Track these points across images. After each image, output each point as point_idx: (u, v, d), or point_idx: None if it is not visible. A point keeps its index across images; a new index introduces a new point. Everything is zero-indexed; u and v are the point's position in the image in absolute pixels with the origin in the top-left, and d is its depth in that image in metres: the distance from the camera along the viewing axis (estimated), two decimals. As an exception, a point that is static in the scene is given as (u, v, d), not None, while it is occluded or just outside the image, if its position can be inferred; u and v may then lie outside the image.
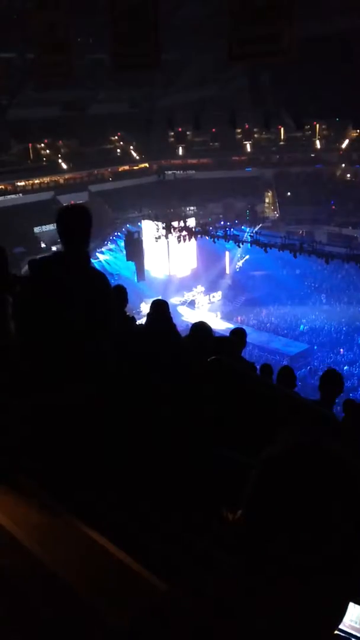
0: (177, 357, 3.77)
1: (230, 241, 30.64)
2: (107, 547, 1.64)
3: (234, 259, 38.04)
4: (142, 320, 5.67)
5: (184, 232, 31.71)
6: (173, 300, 34.17)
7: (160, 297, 5.73)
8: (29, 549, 1.66)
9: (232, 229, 31.48)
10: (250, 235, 30.28)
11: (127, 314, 6.03)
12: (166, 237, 32.77)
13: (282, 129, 38.23)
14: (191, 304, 35.71)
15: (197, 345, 4.02)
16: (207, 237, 31.49)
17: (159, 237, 32.94)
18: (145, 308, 26.64)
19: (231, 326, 27.89)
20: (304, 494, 0.85)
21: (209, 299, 36.80)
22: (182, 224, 32.50)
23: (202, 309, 35.39)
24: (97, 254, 33.63)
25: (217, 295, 37.36)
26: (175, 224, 32.42)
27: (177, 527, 1.93)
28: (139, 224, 35.59)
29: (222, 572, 0.92)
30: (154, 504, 2.01)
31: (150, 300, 5.18)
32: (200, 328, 4.35)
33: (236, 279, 38.05)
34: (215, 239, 30.74)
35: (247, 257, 36.87)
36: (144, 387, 2.97)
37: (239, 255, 37.17)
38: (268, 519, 0.86)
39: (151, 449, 2.43)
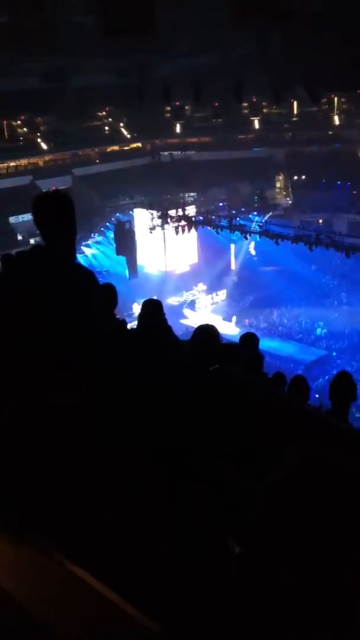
0: (175, 367, 3.81)
1: (236, 232, 30.83)
2: (93, 585, 1.65)
3: (240, 253, 38.70)
4: (134, 324, 5.76)
5: (183, 222, 32.11)
6: (170, 301, 34.79)
7: (154, 297, 5.89)
8: (3, 587, 1.66)
9: (238, 218, 31.67)
10: (259, 225, 30.58)
11: (117, 317, 6.08)
12: (162, 227, 33.26)
13: (295, 103, 38.63)
14: (191, 304, 36.41)
15: (200, 353, 4.01)
16: (209, 228, 32.07)
17: (154, 228, 33.40)
18: (138, 309, 29.09)
19: (237, 330, 29.12)
20: (311, 521, 0.87)
21: (212, 299, 37.51)
22: (180, 212, 32.91)
23: (204, 311, 36.12)
24: (82, 247, 33.96)
25: (221, 295, 38.03)
26: (172, 212, 32.83)
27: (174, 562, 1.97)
28: (130, 212, 36.11)
29: (220, 614, 0.95)
30: (147, 533, 2.06)
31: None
32: (205, 331, 4.38)
33: (243, 276, 38.56)
34: (219, 230, 31.27)
35: (251, 248, 37.59)
36: (135, 402, 2.98)
37: (246, 249, 37.82)
38: (274, 549, 0.88)
39: (144, 471, 2.45)
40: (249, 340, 6.27)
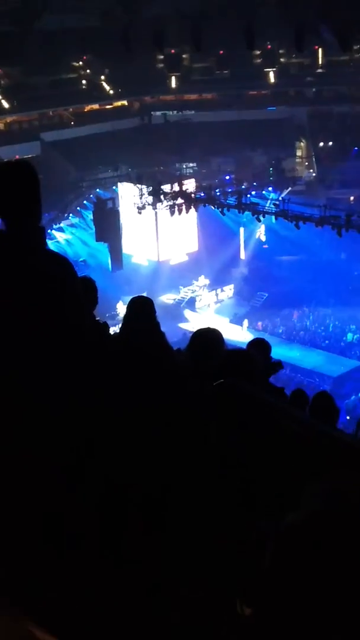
0: (168, 383, 3.82)
1: (247, 212, 31.18)
2: None
3: (251, 239, 38.78)
4: (118, 328, 5.81)
5: (180, 200, 32.25)
6: (164, 299, 35.50)
7: (143, 294, 5.88)
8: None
9: (249, 195, 31.88)
10: (274, 204, 30.59)
11: (97, 319, 6.10)
12: (153, 207, 33.49)
13: (320, 50, 38.62)
14: (190, 303, 36.76)
15: (200, 364, 4.07)
16: (212, 207, 32.10)
17: (143, 207, 33.64)
18: (123, 310, 29.50)
19: (249, 336, 27.44)
20: (332, 575, 0.91)
21: (216, 297, 37.85)
22: (176, 188, 32.98)
23: (206, 311, 36.43)
24: (52, 231, 34.34)
25: (228, 291, 38.50)
26: (166, 188, 32.97)
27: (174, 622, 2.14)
28: (114, 188, 36.35)
29: None
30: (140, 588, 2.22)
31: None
32: (206, 337, 4.44)
33: (255, 268, 38.69)
34: (225, 210, 31.33)
35: (260, 233, 37.43)
36: (121, 429, 3.04)
37: (258, 234, 37.93)
38: (286, 609, 0.90)
39: (135, 513, 2.58)
40: (257, 348, 6.21)
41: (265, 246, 38.71)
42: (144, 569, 2.36)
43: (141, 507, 2.71)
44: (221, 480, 2.92)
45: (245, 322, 35.02)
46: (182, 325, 32.11)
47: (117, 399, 3.66)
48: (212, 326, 4.83)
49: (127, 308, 5.06)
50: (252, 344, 6.37)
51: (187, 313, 35.91)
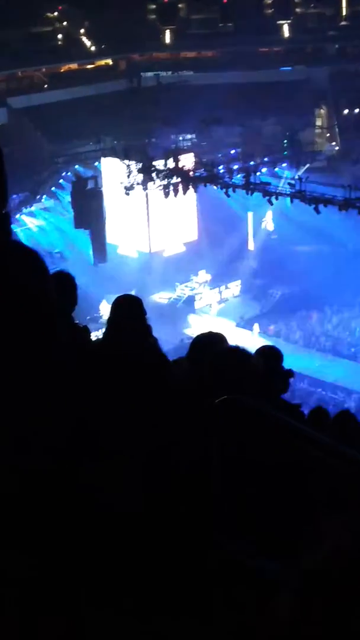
0: (162, 397, 3.87)
1: (256, 194, 31.18)
2: None
3: (261, 225, 38.64)
4: (101, 333, 5.92)
5: (175, 179, 32.36)
6: (156, 298, 35.67)
7: (131, 293, 6.21)
8: None
9: (258, 173, 31.87)
10: (289, 184, 30.73)
11: (77, 322, 6.18)
12: (144, 187, 33.70)
13: (344, -1, 37.50)
14: (188, 303, 36.80)
15: (200, 376, 4.05)
16: (215, 188, 32.30)
17: (132, 188, 33.74)
18: (107, 311, 29.66)
19: (261, 342, 28.14)
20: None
21: (220, 295, 37.73)
22: (171, 164, 33.00)
23: (208, 313, 36.58)
24: (22, 216, 34.49)
25: (234, 289, 38.42)
26: (159, 164, 33.00)
27: None
28: (96, 164, 36.46)
29: None
30: None
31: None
32: (206, 343, 4.47)
33: (266, 260, 38.36)
34: (231, 191, 31.42)
35: (268, 220, 37.57)
36: (105, 457, 3.11)
37: (265, 222, 37.87)
38: None
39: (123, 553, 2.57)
40: (265, 357, 6.05)
41: (274, 236, 38.83)
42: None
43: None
44: (219, 516, 2.95)
45: (256, 327, 35.06)
46: (182, 329, 32.32)
47: (99, 420, 3.68)
48: (213, 331, 4.84)
49: (112, 309, 5.07)
50: (258, 352, 6.20)
51: (186, 315, 36.11)
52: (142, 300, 5.15)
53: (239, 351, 3.99)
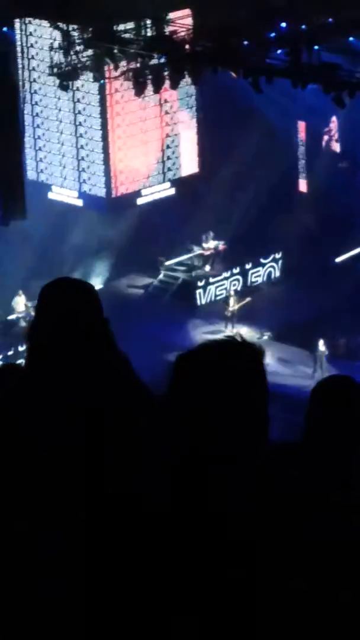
0: (137, 449, 3.47)
1: (312, 86, 27.01)
2: None
3: (321, 146, 34.08)
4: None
5: (159, 59, 27.95)
6: (122, 284, 32.27)
7: (72, 276, 5.53)
8: None
9: (317, 50, 27.11)
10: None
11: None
12: (97, 75, 29.53)
13: None
14: (183, 294, 32.12)
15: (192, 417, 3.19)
16: (233, 75, 28.04)
17: (72, 76, 29.20)
18: (25, 310, 28.74)
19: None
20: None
21: (243, 281, 32.60)
22: (151, 30, 29.29)
23: (221, 311, 31.85)
24: None
25: (270, 269, 33.23)
26: (126, 28, 28.78)
27: None
28: (4, 28, 30.31)
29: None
30: None
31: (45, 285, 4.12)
32: (199, 363, 3.32)
33: (329, 212, 32.82)
34: (263, 81, 26.65)
35: (331, 136, 34.78)
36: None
37: (325, 139, 34.07)
38: None
39: None
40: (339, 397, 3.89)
41: (344, 164, 33.11)
42: None
43: None
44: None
45: (321, 345, 28.38)
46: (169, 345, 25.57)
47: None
48: (223, 337, 3.24)
49: (42, 297, 3.96)
50: (326, 387, 3.95)
51: (178, 318, 30.22)
52: (93, 287, 4.04)
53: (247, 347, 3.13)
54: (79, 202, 31.45)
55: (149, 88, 27.70)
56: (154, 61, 27.40)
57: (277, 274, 32.82)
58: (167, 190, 32.23)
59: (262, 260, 32.59)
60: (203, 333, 29.57)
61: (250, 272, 32.34)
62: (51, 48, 29.23)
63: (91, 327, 3.84)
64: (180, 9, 29.25)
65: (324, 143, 33.55)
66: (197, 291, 31.51)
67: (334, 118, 32.04)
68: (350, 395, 3.54)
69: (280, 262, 32.78)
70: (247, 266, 32.23)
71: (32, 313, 30.77)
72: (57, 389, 3.85)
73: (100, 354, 3.92)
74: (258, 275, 32.52)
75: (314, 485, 3.32)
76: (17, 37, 30.35)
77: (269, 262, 32.76)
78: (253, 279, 32.35)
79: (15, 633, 3.31)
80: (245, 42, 26.83)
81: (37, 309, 3.96)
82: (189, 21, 28.76)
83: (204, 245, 32.41)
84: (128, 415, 3.89)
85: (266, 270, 32.82)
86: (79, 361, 3.88)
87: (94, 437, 3.78)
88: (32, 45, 30.98)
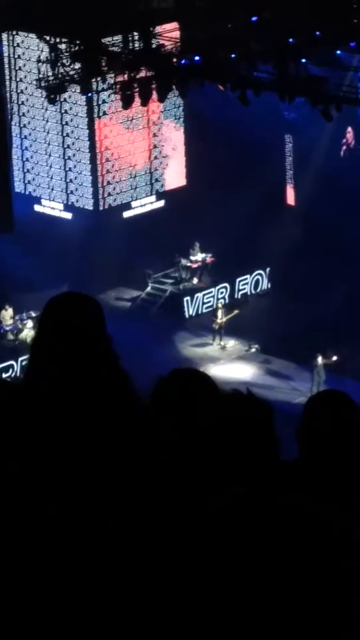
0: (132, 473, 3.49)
1: (299, 99, 27.78)
2: None
3: (311, 159, 33.74)
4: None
5: (147, 72, 27.91)
6: (109, 297, 31.91)
7: (71, 292, 4.79)
8: None
9: (303, 61, 28.01)
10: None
11: None
12: (85, 87, 29.73)
13: None
14: (172, 306, 32.66)
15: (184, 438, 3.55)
16: (220, 88, 28.27)
17: (60, 89, 29.03)
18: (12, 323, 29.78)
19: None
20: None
21: (230, 291, 33.14)
22: (137, 43, 29.48)
23: (208, 325, 32.18)
24: None
25: (258, 281, 34.01)
26: (113, 42, 28.93)
27: None
28: None
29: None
30: None
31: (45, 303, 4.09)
32: (183, 387, 3.80)
33: (318, 225, 32.68)
34: (251, 93, 27.08)
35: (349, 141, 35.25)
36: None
37: (346, 141, 34.21)
38: None
39: None
40: (332, 406, 4.12)
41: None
42: None
43: None
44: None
45: (320, 361, 28.59)
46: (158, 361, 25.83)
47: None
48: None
49: (48, 316, 3.98)
50: (316, 403, 4.21)
51: (168, 332, 30.85)
52: (96, 302, 4.00)
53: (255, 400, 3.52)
54: (68, 215, 32.07)
55: (137, 101, 27.92)
56: (142, 74, 27.44)
57: (265, 286, 33.21)
58: (155, 203, 33.00)
59: (250, 273, 33.06)
60: (190, 346, 30.44)
61: (238, 284, 32.79)
62: (39, 60, 29.37)
63: (96, 343, 3.84)
64: (168, 22, 29.67)
65: (342, 153, 33.68)
66: (185, 303, 31.99)
67: (349, 128, 32.28)
68: (349, 412, 3.57)
69: (267, 274, 33.27)
70: (235, 279, 32.70)
71: (19, 326, 28.78)
72: (56, 402, 3.85)
73: (103, 370, 3.93)
74: (246, 287, 32.91)
75: (315, 501, 3.33)
76: (5, 48, 30.76)
77: (256, 274, 33.16)
78: (241, 291, 32.79)
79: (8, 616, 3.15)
80: (233, 55, 27.09)
81: (41, 322, 4.02)
82: (177, 34, 29.16)
83: (192, 257, 32.93)
84: (126, 433, 3.88)
85: (253, 282, 33.18)
86: (81, 376, 3.87)
87: (90, 452, 3.75)
88: (19, 57, 31.44)
